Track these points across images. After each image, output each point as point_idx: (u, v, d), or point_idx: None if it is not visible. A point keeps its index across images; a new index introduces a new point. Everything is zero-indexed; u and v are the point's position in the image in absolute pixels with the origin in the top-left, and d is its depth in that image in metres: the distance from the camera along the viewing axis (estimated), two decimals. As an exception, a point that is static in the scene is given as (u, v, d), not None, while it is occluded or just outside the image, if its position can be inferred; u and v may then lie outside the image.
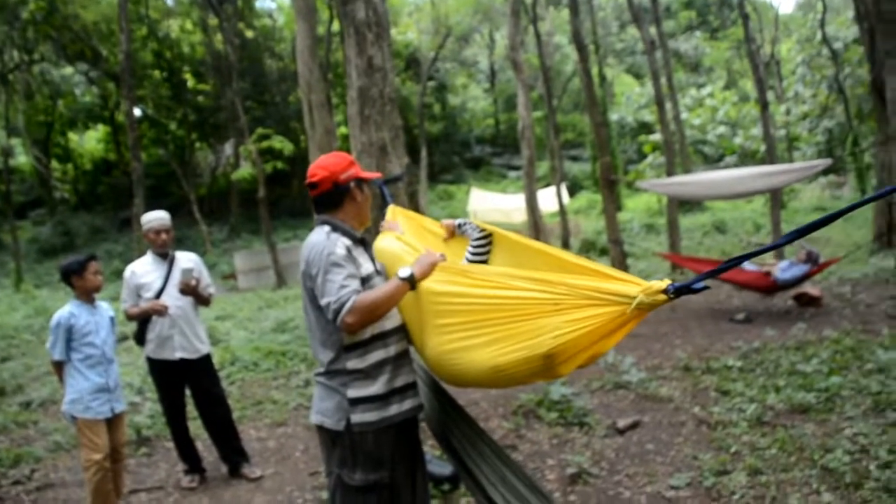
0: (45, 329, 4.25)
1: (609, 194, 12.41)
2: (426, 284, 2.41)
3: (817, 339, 7.27)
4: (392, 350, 2.65)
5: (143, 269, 4.74)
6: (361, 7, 5.56)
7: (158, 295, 4.64)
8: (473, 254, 3.01)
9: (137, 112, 27.82)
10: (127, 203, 25.62)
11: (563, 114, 39.94)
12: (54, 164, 34.45)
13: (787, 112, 27.73)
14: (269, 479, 4.91)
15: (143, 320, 4.70)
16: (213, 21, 28.02)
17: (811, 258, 8.84)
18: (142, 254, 4.90)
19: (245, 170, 19.75)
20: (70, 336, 4.16)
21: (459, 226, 3.18)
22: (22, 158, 34.61)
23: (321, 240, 2.58)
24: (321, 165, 2.70)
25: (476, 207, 24.84)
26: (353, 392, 2.58)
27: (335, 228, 2.65)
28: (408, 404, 2.68)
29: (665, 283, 1.66)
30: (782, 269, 8.91)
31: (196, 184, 30.66)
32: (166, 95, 30.82)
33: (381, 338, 2.63)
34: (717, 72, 43.01)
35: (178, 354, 4.69)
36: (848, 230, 17.80)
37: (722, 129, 30.01)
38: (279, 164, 20.54)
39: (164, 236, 4.74)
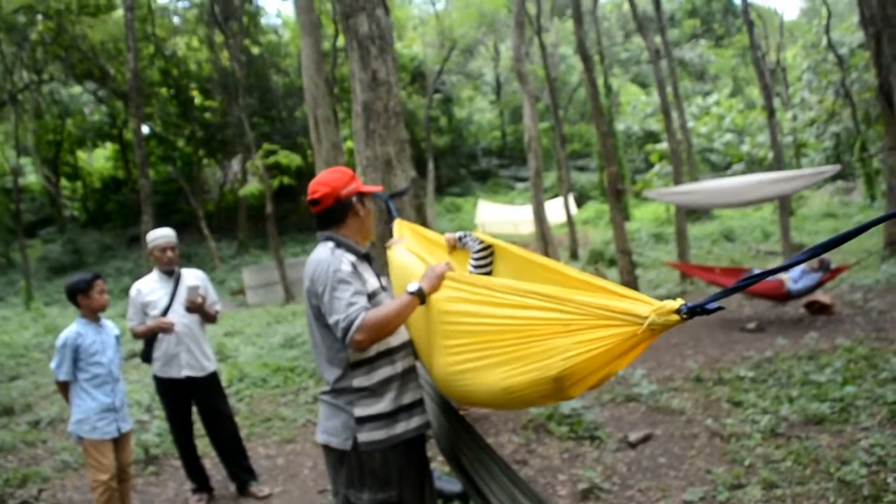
0: (55, 347, 4.21)
1: (616, 204, 12.36)
2: (435, 303, 2.37)
3: (830, 347, 7.19)
4: (399, 367, 2.61)
5: (150, 287, 4.72)
6: (364, 21, 5.55)
7: (165, 313, 4.62)
8: (476, 266, 2.98)
9: (145, 130, 28.00)
10: (135, 220, 25.77)
11: (569, 124, 39.99)
12: (63, 182, 34.68)
13: (794, 118, 27.65)
14: (278, 498, 4.87)
15: (149, 338, 4.67)
16: (219, 38, 28.20)
17: (823, 266, 8.75)
18: (150, 271, 4.88)
19: (253, 185, 19.74)
20: (77, 356, 4.13)
21: (460, 239, 3.14)
22: (32, 177, 34.87)
23: (326, 256, 2.54)
24: (322, 181, 2.66)
25: (484, 219, 24.85)
26: (360, 410, 2.54)
27: (339, 244, 2.61)
28: (415, 422, 2.64)
29: (678, 302, 1.62)
30: (794, 277, 8.83)
31: (204, 200, 30.78)
32: (174, 113, 31.01)
33: (388, 354, 2.59)
34: (723, 79, 43.03)
35: (185, 372, 4.66)
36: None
37: (729, 137, 30.00)
38: (286, 179, 20.58)
39: (169, 254, 4.72)
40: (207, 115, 31.73)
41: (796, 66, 32.77)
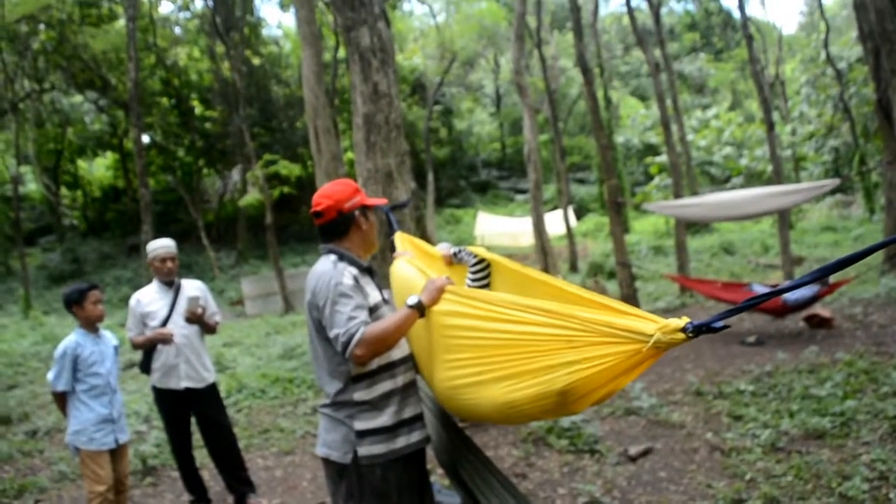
0: (53, 357, 4.19)
1: (616, 217, 12.36)
2: (436, 317, 2.37)
3: (830, 361, 7.18)
4: (399, 381, 2.60)
5: (149, 298, 4.71)
6: (366, 34, 5.56)
7: (164, 323, 4.61)
8: (473, 281, 2.98)
9: (146, 139, 28.04)
10: (135, 229, 25.76)
11: (568, 137, 40.10)
12: (64, 191, 34.66)
13: (793, 132, 27.74)
14: (276, 510, 4.84)
15: (148, 349, 4.66)
16: (220, 49, 28.26)
17: (821, 279, 8.73)
18: (150, 281, 4.87)
19: (252, 196, 19.74)
20: (76, 366, 4.12)
21: (455, 254, 3.14)
22: (32, 186, 34.87)
23: (328, 269, 2.53)
24: (325, 194, 2.66)
25: (483, 231, 24.87)
26: (361, 424, 2.53)
27: (342, 257, 2.61)
28: (416, 436, 2.63)
29: (683, 321, 1.61)
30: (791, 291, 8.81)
31: (204, 210, 30.75)
32: (174, 122, 31.04)
33: (389, 368, 2.58)
34: (722, 93, 43.18)
35: (184, 384, 4.65)
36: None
37: (728, 150, 30.06)
38: (286, 189, 20.60)
39: (169, 264, 4.71)
40: (208, 125, 31.75)
41: (795, 80, 32.88)
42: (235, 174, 26.29)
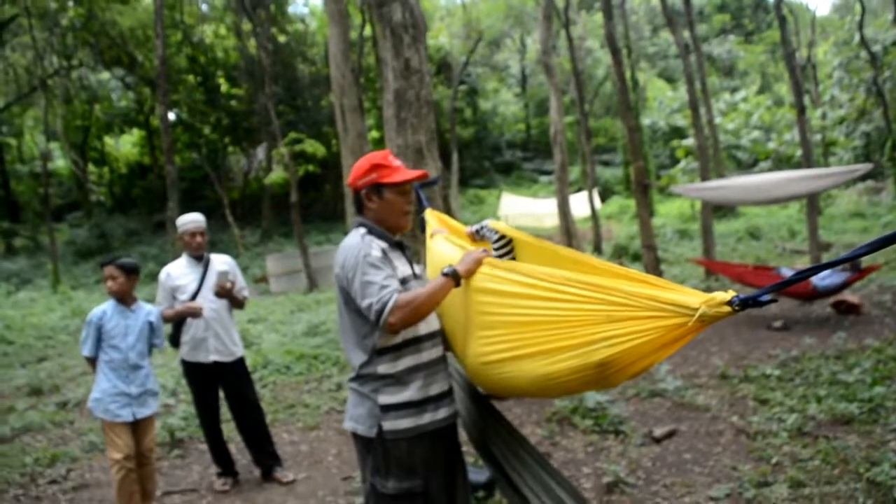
0: (81, 330, 4.24)
1: (642, 199, 12.26)
2: (472, 293, 2.36)
3: (858, 347, 7.10)
4: (424, 356, 2.59)
5: (179, 272, 4.75)
6: (398, 9, 5.53)
7: (193, 297, 4.65)
8: (498, 258, 2.96)
9: (172, 116, 28.24)
10: (161, 206, 25.99)
11: (594, 118, 39.77)
12: (91, 167, 35.06)
13: (824, 116, 27.27)
14: (302, 484, 4.90)
15: (177, 322, 4.71)
16: (246, 26, 28.32)
17: (852, 265, 8.63)
18: (176, 256, 4.91)
19: (277, 173, 19.80)
20: (100, 335, 4.17)
21: (477, 231, 3.12)
22: (60, 162, 35.29)
23: (356, 242, 2.54)
24: (352, 169, 2.71)
25: (507, 212, 24.81)
26: (385, 398, 2.54)
27: (370, 231, 2.62)
28: (442, 413, 2.62)
29: (730, 294, 1.60)
30: (821, 276, 8.71)
31: (229, 187, 30.95)
32: (200, 100, 31.20)
33: (414, 343, 2.57)
34: (752, 76, 42.55)
35: (213, 357, 4.70)
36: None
37: (756, 134, 29.66)
38: (311, 168, 20.64)
39: (199, 239, 4.75)
40: (233, 102, 31.88)
41: (827, 63, 32.32)
42: (260, 152, 26.42)
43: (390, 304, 2.33)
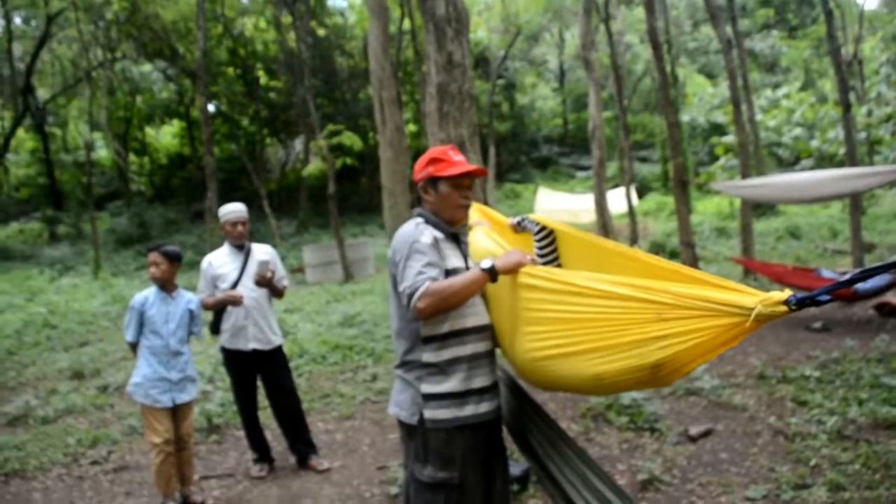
0: (121, 316, 4.36)
1: (681, 196, 12.13)
2: (519, 290, 2.37)
3: (902, 351, 6.96)
4: (469, 349, 2.61)
5: (220, 261, 4.83)
6: (441, 3, 5.52)
7: (234, 286, 4.72)
8: (541, 254, 2.97)
9: (211, 108, 28.52)
10: (200, 196, 26.33)
11: (632, 114, 39.38)
12: (132, 157, 35.65)
13: (869, 113, 26.62)
14: (337, 472, 4.95)
15: (218, 310, 4.78)
16: (286, 19, 28.50)
17: None
18: (214, 246, 5.00)
19: (314, 165, 19.90)
20: (142, 321, 4.26)
21: (519, 223, 3.14)
22: (102, 152, 35.97)
23: (409, 229, 2.63)
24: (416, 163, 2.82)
25: (543, 207, 24.66)
26: (427, 387, 2.57)
27: (427, 221, 2.71)
28: (485, 407, 2.63)
29: (786, 293, 1.59)
30: (864, 277, 8.53)
31: (266, 179, 31.26)
32: (240, 92, 31.53)
33: (459, 335, 2.60)
34: (794, 72, 41.73)
35: (252, 345, 4.77)
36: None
37: (798, 132, 29.09)
38: (348, 161, 20.76)
39: (240, 228, 4.82)
40: (272, 95, 32.15)
41: (874, 59, 31.54)
42: (298, 144, 26.65)
43: (421, 290, 2.38)
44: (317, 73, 28.82)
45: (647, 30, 12.72)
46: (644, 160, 39.28)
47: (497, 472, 2.76)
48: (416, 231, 2.61)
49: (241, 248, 4.86)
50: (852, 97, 26.12)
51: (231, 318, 4.76)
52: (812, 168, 23.88)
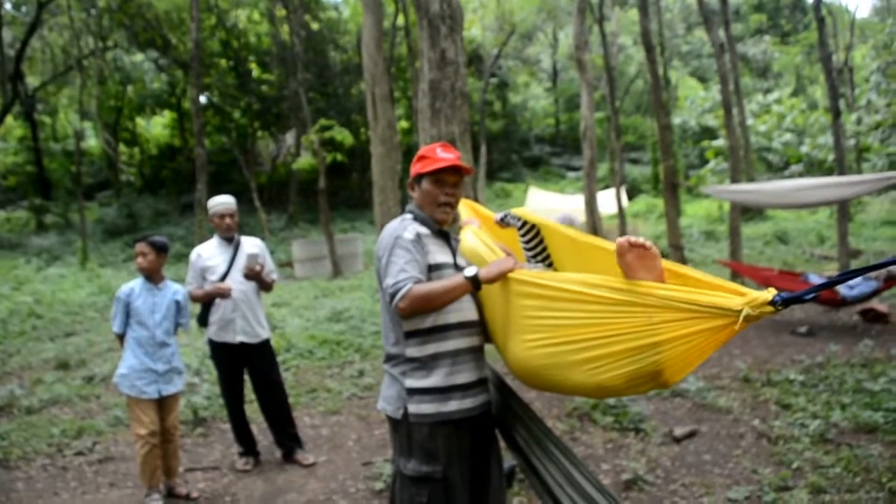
0: (108, 307, 4.36)
1: (671, 198, 12.19)
2: (511, 298, 2.38)
3: (885, 356, 7.02)
4: (451, 344, 2.60)
5: (209, 253, 4.82)
6: (436, 0, 5.53)
7: (223, 278, 4.71)
8: (527, 248, 2.97)
9: (203, 100, 28.42)
10: (189, 188, 26.24)
11: (624, 116, 39.50)
12: (122, 147, 35.44)
13: (859, 121, 26.80)
14: (322, 467, 4.95)
15: (206, 303, 4.77)
16: (279, 12, 28.44)
17: (892, 274, 8.45)
18: (203, 238, 4.99)
19: (305, 159, 19.92)
20: (128, 312, 4.25)
21: (502, 218, 3.14)
22: (92, 141, 35.73)
23: (395, 225, 2.66)
24: None
25: (533, 206, 24.69)
26: (411, 382, 2.59)
27: (415, 217, 2.73)
28: (469, 402, 2.62)
29: (771, 293, 1.61)
30: (850, 283, 8.60)
31: (256, 172, 31.13)
32: (231, 84, 31.39)
33: (442, 330, 2.59)
34: (786, 77, 41.97)
35: (240, 338, 4.76)
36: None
37: (788, 137, 29.24)
38: (339, 156, 20.71)
39: (228, 221, 4.81)
40: (264, 88, 32.03)
41: (864, 67, 31.77)
42: (289, 138, 26.57)
43: (402, 291, 2.41)
44: (309, 67, 28.72)
45: (640, 32, 12.76)
46: (635, 162, 39.43)
47: (491, 467, 2.77)
48: (401, 227, 2.63)
49: (231, 240, 4.86)
50: (842, 104, 26.30)
51: (219, 310, 4.75)
52: (801, 173, 24.05)
